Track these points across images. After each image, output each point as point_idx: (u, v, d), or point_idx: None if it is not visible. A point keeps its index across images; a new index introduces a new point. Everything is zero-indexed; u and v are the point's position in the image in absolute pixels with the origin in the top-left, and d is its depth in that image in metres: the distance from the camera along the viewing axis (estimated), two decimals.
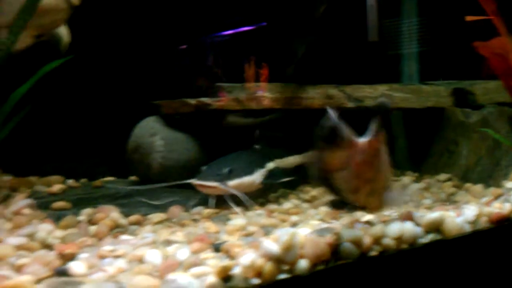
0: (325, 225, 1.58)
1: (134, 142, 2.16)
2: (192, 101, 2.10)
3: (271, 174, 2.12)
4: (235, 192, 1.91)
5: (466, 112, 2.35)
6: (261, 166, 2.10)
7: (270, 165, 2.15)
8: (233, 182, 1.95)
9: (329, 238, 1.32)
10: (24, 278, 1.13)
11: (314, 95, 2.21)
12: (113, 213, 1.81)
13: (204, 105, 2.10)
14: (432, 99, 2.40)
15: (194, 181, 1.91)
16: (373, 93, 2.29)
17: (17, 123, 1.95)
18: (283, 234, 1.24)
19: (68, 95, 2.32)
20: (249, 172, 2.02)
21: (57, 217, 1.77)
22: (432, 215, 1.50)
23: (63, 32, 2.11)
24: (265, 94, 2.14)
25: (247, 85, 2.14)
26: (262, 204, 2.05)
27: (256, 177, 2.04)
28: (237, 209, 1.90)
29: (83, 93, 2.34)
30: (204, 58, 2.55)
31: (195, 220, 1.83)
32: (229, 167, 1.96)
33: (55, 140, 2.31)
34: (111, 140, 2.35)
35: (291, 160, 2.26)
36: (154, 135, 2.13)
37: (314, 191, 2.20)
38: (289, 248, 1.23)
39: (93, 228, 1.72)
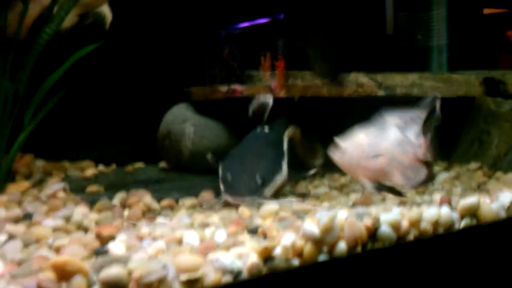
0: (361, 209, 1.58)
1: (165, 129, 2.17)
2: (223, 88, 2.10)
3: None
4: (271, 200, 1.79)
5: (497, 102, 2.33)
6: (282, 154, 2.00)
7: (285, 145, 2.06)
8: (269, 190, 1.84)
9: (367, 221, 1.32)
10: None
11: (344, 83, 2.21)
12: (146, 198, 1.82)
13: (234, 92, 2.10)
14: (462, 88, 2.38)
15: (228, 198, 1.79)
16: (404, 82, 2.28)
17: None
18: (323, 216, 1.24)
19: (100, 81, 2.33)
20: (278, 168, 1.92)
21: (91, 201, 1.79)
22: (468, 200, 1.50)
23: (106, 10, 2.11)
24: (295, 82, 2.14)
25: (278, 72, 2.14)
26: (292, 191, 2.05)
27: (285, 171, 1.94)
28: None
29: (115, 80, 2.36)
30: (219, 51, 2.55)
31: (227, 205, 1.83)
32: (261, 175, 1.83)
33: (86, 126, 2.33)
34: (142, 127, 2.37)
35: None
36: (185, 122, 2.15)
37: (343, 179, 2.20)
38: (329, 230, 1.24)
39: (126, 212, 1.74)
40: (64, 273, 0.97)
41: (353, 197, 1.92)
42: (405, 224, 1.37)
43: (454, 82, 2.38)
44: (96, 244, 1.37)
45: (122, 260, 1.05)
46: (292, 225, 1.45)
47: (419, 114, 1.73)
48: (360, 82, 2.21)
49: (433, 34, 2.98)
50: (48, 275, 1.01)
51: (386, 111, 1.74)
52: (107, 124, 2.38)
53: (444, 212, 1.45)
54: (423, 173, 1.71)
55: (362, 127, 1.73)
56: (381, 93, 2.23)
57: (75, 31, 2.03)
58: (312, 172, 2.08)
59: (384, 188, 1.74)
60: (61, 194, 1.81)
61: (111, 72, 2.34)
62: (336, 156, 1.69)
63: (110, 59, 2.29)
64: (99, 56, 2.07)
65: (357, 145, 1.70)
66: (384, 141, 1.70)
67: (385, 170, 1.70)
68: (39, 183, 1.90)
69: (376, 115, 1.74)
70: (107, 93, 2.37)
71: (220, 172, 1.89)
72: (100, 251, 1.28)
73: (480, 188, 2.03)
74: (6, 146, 1.90)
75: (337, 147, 1.69)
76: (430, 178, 1.73)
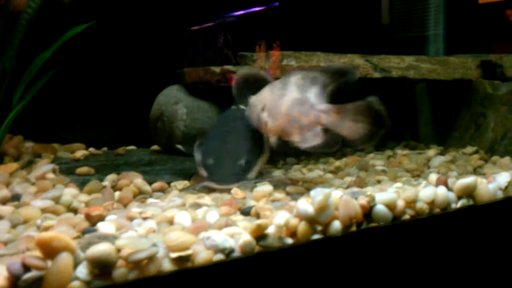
0: (356, 189, 1.55)
1: (157, 110, 2.14)
2: (217, 69, 2.07)
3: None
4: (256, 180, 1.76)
5: (494, 85, 2.30)
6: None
7: None
8: (252, 173, 1.79)
9: (362, 199, 1.30)
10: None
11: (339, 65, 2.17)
12: (137, 180, 1.79)
13: (228, 73, 2.06)
14: (459, 71, 2.36)
15: (212, 185, 1.72)
16: (400, 64, 2.25)
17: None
18: (317, 194, 1.21)
19: (92, 62, 2.30)
20: (260, 149, 1.86)
21: (81, 182, 1.76)
22: (465, 180, 1.47)
23: None
24: (291, 62, 2.10)
25: (272, 53, 2.10)
26: (286, 174, 2.03)
27: (267, 151, 1.88)
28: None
29: (106, 61, 2.32)
30: (214, 39, 2.51)
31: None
32: (243, 159, 1.77)
33: (77, 108, 2.30)
34: (133, 110, 2.34)
35: None
36: (177, 103, 2.11)
37: (337, 162, 2.18)
38: (323, 208, 1.21)
39: (117, 194, 1.71)
40: (50, 250, 0.94)
41: (348, 180, 1.89)
42: (400, 203, 1.34)
43: (451, 64, 2.36)
44: (85, 224, 1.35)
45: (111, 238, 1.02)
46: (285, 206, 1.43)
47: (322, 77, 1.68)
48: (355, 63, 2.18)
49: (429, 23, 2.96)
50: (34, 253, 0.98)
51: (293, 72, 1.73)
52: (98, 107, 2.34)
53: (441, 192, 1.42)
54: (320, 137, 1.67)
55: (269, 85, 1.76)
56: (376, 75, 2.20)
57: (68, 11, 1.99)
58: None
59: (284, 147, 1.74)
60: (51, 176, 1.77)
61: (103, 53, 2.30)
62: (247, 110, 1.77)
63: (102, 39, 2.25)
64: (90, 36, 2.04)
65: (260, 101, 1.74)
66: (283, 98, 1.68)
67: (284, 128, 1.68)
68: (28, 165, 1.87)
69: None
70: (98, 74, 2.33)
71: (199, 155, 1.82)
72: (88, 231, 1.24)
73: (476, 172, 2.01)
74: None
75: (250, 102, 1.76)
76: (329, 144, 1.67)
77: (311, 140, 1.67)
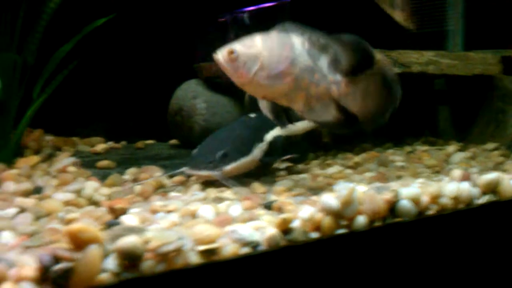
0: (380, 184, 1.54)
1: (176, 105, 2.14)
2: None
3: (273, 147, 1.90)
4: (227, 181, 1.70)
5: None
6: (260, 139, 1.88)
7: (269, 137, 1.91)
8: (229, 167, 1.74)
9: (386, 195, 1.29)
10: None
11: None
12: (157, 173, 1.79)
13: None
14: (479, 66, 2.34)
15: (186, 171, 1.74)
16: (419, 59, 2.24)
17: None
18: (342, 188, 1.21)
19: (111, 57, 2.30)
20: (246, 151, 1.81)
21: (101, 176, 1.77)
22: (489, 176, 1.46)
23: None
24: None
25: None
26: (305, 169, 2.02)
27: (255, 155, 1.83)
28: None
29: (125, 56, 2.32)
30: (225, 34, 2.50)
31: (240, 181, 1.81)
32: (223, 150, 1.75)
33: (96, 103, 2.30)
34: (151, 105, 2.34)
35: (301, 126, 2.00)
36: (196, 98, 2.11)
37: (357, 158, 2.17)
38: (348, 203, 1.21)
39: (137, 188, 1.71)
40: (79, 241, 0.94)
41: (368, 175, 1.88)
42: (425, 198, 1.34)
43: (471, 60, 2.34)
44: (108, 217, 1.35)
45: (138, 230, 1.02)
46: (307, 201, 1.43)
47: (334, 47, 1.54)
48: None
49: (444, 19, 2.94)
50: (63, 245, 0.98)
51: (289, 26, 1.55)
52: (117, 101, 2.35)
53: (465, 187, 1.41)
54: (332, 114, 1.55)
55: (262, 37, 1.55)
56: (396, 70, 2.18)
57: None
58: (287, 156, 1.94)
59: (281, 116, 1.60)
60: (71, 169, 1.78)
61: (122, 48, 2.31)
62: (227, 64, 1.52)
63: (121, 34, 2.25)
64: (111, 31, 2.04)
65: (256, 57, 1.51)
66: (291, 61, 1.52)
67: (287, 93, 1.55)
68: (49, 158, 1.87)
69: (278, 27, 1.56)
70: (117, 69, 2.33)
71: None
72: (112, 224, 1.25)
73: (497, 168, 1.99)
74: (15, 120, 1.87)
75: (230, 53, 1.51)
76: (340, 123, 1.56)
77: (320, 113, 1.56)
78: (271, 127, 1.92)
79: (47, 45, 1.91)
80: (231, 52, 1.51)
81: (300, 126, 2.01)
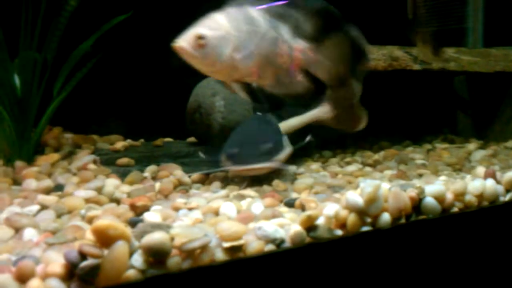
0: (403, 182, 1.53)
1: (195, 102, 2.13)
2: None
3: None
4: (284, 165, 1.72)
5: None
6: (279, 131, 1.87)
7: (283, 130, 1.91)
8: (282, 156, 1.72)
9: (411, 192, 1.28)
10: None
11: (379, 57, 2.14)
12: (176, 171, 1.79)
13: None
14: (500, 63, 2.31)
15: (242, 167, 1.66)
16: (440, 56, 2.22)
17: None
18: (367, 186, 1.20)
19: (129, 55, 2.30)
20: (285, 142, 1.81)
21: (121, 173, 1.77)
22: None
23: None
24: None
25: None
26: (324, 167, 2.01)
27: (288, 144, 1.83)
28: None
29: (141, 53, 2.32)
30: None
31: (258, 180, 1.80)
32: (269, 143, 1.72)
33: (114, 101, 2.30)
34: (169, 102, 2.34)
35: (294, 122, 1.97)
36: (214, 95, 2.10)
37: (376, 156, 2.15)
38: (373, 200, 1.19)
39: (157, 185, 1.71)
40: (105, 238, 0.93)
41: (388, 173, 1.87)
42: (449, 196, 1.32)
43: (492, 57, 2.32)
44: (130, 214, 1.35)
45: (164, 227, 1.02)
46: (330, 198, 1.42)
47: (291, 13, 1.48)
48: (394, 55, 2.15)
49: (453, 16, 2.91)
50: (88, 242, 0.98)
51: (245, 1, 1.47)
52: (135, 99, 2.34)
53: (489, 185, 1.40)
54: (300, 83, 1.50)
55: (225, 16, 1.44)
56: (416, 67, 2.16)
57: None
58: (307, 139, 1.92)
59: (259, 97, 1.53)
60: (92, 166, 1.78)
61: (140, 45, 2.30)
62: (195, 52, 1.41)
63: (140, 31, 2.25)
64: (128, 28, 2.04)
65: (227, 38, 1.42)
66: (256, 36, 1.45)
67: (256, 70, 1.48)
68: (69, 156, 1.88)
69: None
70: (134, 66, 2.33)
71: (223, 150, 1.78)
72: (135, 221, 1.24)
73: None
74: (35, 117, 1.87)
75: (198, 39, 1.40)
76: (312, 94, 1.51)
77: (289, 85, 1.51)
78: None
79: (67, 43, 1.91)
80: (200, 37, 1.41)
81: (294, 122, 1.97)
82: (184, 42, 1.42)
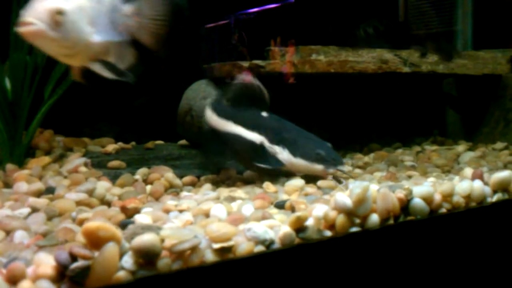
0: (392, 183, 1.55)
1: (186, 105, 2.14)
2: (245, 64, 2.06)
3: None
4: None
5: None
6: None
7: None
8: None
9: (399, 193, 1.29)
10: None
11: (368, 59, 2.16)
12: (167, 174, 1.80)
13: (257, 67, 2.06)
14: (489, 66, 2.34)
15: (339, 168, 1.77)
16: (429, 59, 2.24)
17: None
18: (356, 187, 1.21)
19: None
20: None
21: (113, 176, 1.78)
22: (501, 174, 1.46)
23: None
24: (319, 57, 2.09)
25: (301, 48, 2.09)
26: None
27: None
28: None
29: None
30: (229, 36, 2.49)
31: (249, 182, 1.81)
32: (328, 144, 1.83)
33: (105, 104, 2.30)
34: (159, 105, 2.34)
35: None
36: (206, 98, 2.11)
37: (366, 158, 2.17)
38: (361, 201, 1.21)
39: (148, 188, 1.71)
40: (96, 240, 0.94)
41: (378, 175, 1.88)
42: (437, 197, 1.34)
43: (481, 59, 2.34)
44: (121, 217, 1.36)
45: (155, 229, 1.03)
46: (319, 200, 1.43)
47: None
48: (384, 58, 2.17)
49: (443, 20, 2.93)
50: (79, 244, 0.99)
51: None
52: (126, 102, 2.35)
53: (477, 186, 1.41)
54: (130, 54, 1.38)
55: None
56: (406, 69, 2.18)
57: None
58: None
59: (118, 68, 1.38)
60: (83, 169, 1.79)
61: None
62: (53, 32, 1.18)
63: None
64: None
65: (80, 8, 1.25)
66: (106, 4, 1.31)
67: (102, 47, 1.33)
68: (60, 158, 1.88)
69: None
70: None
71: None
72: (125, 223, 1.25)
73: (507, 167, 1.99)
74: (26, 120, 1.87)
75: (57, 15, 1.18)
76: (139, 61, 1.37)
77: (124, 58, 1.38)
78: None
79: None
80: (59, 13, 1.19)
81: None
82: (37, 22, 1.17)
